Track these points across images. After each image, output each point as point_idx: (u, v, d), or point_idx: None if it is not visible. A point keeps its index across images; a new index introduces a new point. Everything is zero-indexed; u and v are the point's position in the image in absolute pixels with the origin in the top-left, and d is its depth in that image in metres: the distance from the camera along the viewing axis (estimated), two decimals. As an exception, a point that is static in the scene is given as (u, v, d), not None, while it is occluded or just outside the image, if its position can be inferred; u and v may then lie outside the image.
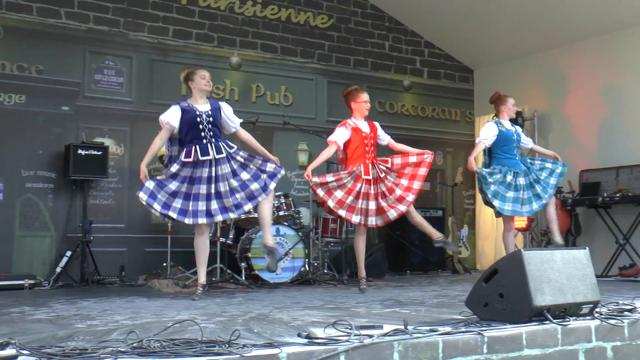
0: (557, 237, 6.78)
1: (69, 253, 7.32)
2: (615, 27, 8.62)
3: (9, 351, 2.56)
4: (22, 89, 7.64)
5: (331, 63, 9.64)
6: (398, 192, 6.14)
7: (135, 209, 8.13)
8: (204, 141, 5.65)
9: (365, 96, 6.36)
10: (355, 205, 6.05)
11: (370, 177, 6.09)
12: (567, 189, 8.73)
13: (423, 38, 10.45)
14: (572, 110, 9.25)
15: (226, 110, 5.91)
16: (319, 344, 2.93)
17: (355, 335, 3.05)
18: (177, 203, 5.55)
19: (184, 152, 5.63)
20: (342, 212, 6.04)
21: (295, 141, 9.23)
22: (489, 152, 6.85)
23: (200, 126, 5.67)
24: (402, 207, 6.12)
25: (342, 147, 6.23)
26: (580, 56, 9.19)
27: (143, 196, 5.47)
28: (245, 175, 5.71)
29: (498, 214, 6.84)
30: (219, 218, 5.64)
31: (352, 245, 6.64)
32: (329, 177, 6.02)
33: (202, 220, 5.56)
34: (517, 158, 6.74)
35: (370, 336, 3.06)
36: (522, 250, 3.72)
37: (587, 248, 4.11)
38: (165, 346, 2.77)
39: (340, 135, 6.20)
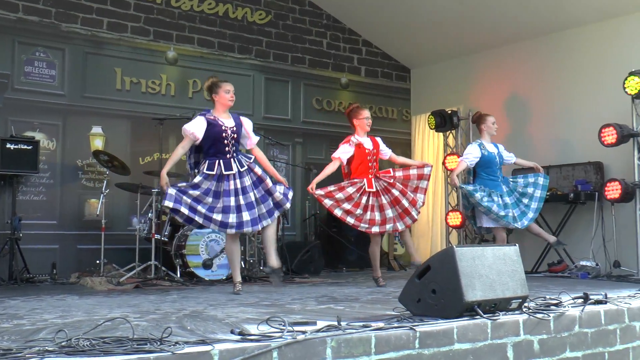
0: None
1: (-4, 251, 7.12)
2: (549, 29, 8.84)
3: None
4: (-54, 80, 7.40)
5: (269, 59, 9.62)
6: (405, 202, 6.45)
7: (68, 205, 7.98)
8: (227, 156, 5.70)
9: (365, 112, 6.61)
10: (363, 217, 6.33)
11: (374, 190, 6.39)
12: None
13: (361, 36, 10.52)
14: (504, 110, 9.44)
15: (247, 126, 5.92)
16: (251, 340, 2.93)
17: (288, 332, 3.06)
18: (202, 209, 5.55)
19: (206, 164, 5.66)
20: (350, 220, 6.33)
21: (232, 137, 9.15)
22: (473, 171, 7.26)
23: (225, 141, 5.70)
24: (409, 221, 6.50)
25: (345, 163, 6.51)
26: (514, 58, 9.39)
27: (169, 203, 5.43)
28: (259, 192, 5.78)
29: (482, 229, 7.31)
30: (249, 230, 5.71)
31: (290, 242, 6.75)
32: (331, 187, 6.29)
33: (230, 231, 5.64)
34: (499, 180, 7.16)
35: (304, 332, 3.07)
36: (454, 246, 3.79)
37: (517, 245, 4.22)
38: (94, 344, 2.72)
39: (343, 152, 6.47)
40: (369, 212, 6.35)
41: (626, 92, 7.31)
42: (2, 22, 7.73)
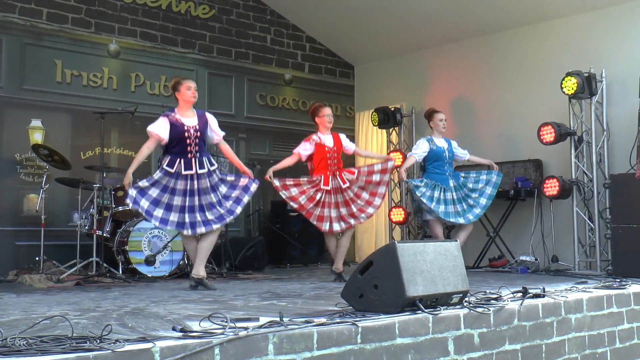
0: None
1: None
2: (487, 30, 9.00)
3: None
4: None
5: (212, 54, 9.54)
6: (363, 198, 6.75)
7: (5, 200, 7.78)
8: (189, 156, 5.76)
9: (326, 110, 6.86)
10: (313, 212, 6.59)
11: (329, 188, 6.61)
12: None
13: (305, 33, 10.52)
14: (448, 108, 9.56)
15: (212, 122, 6.02)
16: (193, 337, 2.92)
17: (230, 328, 3.06)
18: (158, 212, 5.67)
19: (167, 160, 5.76)
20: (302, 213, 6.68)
21: (175, 132, 9.06)
22: (422, 166, 7.54)
23: (188, 140, 5.76)
24: (371, 210, 6.77)
25: (304, 159, 6.77)
26: (454, 57, 9.53)
27: (129, 203, 5.68)
28: (219, 195, 5.87)
29: (425, 222, 7.61)
30: (202, 230, 5.75)
31: (233, 238, 6.82)
32: (289, 181, 6.58)
33: (186, 232, 5.75)
34: (447, 174, 7.40)
35: (246, 329, 3.07)
36: (395, 242, 3.83)
37: (457, 240, 4.30)
38: (31, 344, 2.66)
39: (303, 149, 6.73)
40: (318, 208, 6.57)
41: (563, 92, 7.51)
42: None
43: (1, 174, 7.77)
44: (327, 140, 6.79)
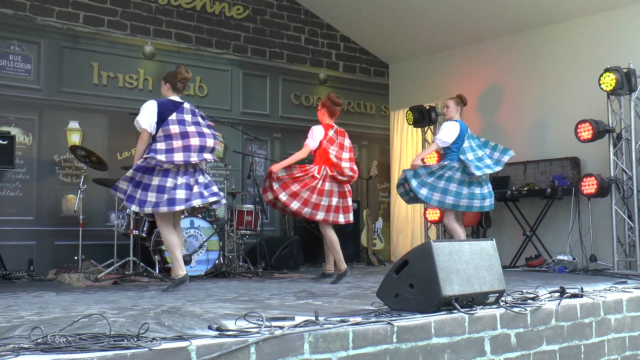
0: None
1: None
2: (524, 26, 8.91)
3: None
4: None
5: (247, 54, 9.58)
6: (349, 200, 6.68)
7: (45, 201, 7.91)
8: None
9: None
10: (310, 200, 6.41)
11: (322, 174, 6.51)
12: (478, 183, 8.97)
13: (339, 32, 10.51)
14: (482, 106, 9.50)
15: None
16: (229, 336, 2.93)
17: (266, 327, 3.06)
18: (152, 197, 5.56)
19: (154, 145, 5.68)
20: (294, 206, 6.45)
21: (210, 132, 9.11)
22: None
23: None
24: (347, 217, 6.65)
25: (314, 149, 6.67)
26: (491, 54, 9.45)
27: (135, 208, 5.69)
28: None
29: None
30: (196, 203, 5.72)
31: (268, 238, 6.77)
32: (294, 186, 6.47)
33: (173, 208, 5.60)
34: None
35: (281, 327, 3.08)
36: (431, 241, 3.81)
37: (493, 239, 4.25)
38: (71, 341, 2.70)
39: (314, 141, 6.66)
40: (315, 195, 6.43)
41: (602, 88, 7.38)
42: (-24, 15, 7.64)
43: (40, 175, 7.90)
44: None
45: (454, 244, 3.95)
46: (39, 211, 7.86)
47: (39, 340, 2.70)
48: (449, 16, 9.17)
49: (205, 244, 7.19)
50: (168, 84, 6.07)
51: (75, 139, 8.13)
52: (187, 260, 7.03)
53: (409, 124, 9.80)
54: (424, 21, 9.47)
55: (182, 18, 9.05)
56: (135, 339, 2.76)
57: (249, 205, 8.06)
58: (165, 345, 2.71)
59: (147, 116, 5.80)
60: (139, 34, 8.70)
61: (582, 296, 4.49)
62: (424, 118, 9.56)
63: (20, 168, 7.72)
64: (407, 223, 10.31)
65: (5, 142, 7.26)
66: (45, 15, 8.05)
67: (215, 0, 9.33)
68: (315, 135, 6.67)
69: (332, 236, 6.55)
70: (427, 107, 9.62)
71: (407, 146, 10.46)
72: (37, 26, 8.00)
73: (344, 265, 6.51)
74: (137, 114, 7.38)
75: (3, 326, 3.49)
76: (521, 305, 4.05)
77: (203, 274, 7.12)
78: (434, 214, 9.18)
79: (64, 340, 2.71)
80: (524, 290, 4.61)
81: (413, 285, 3.79)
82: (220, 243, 7.40)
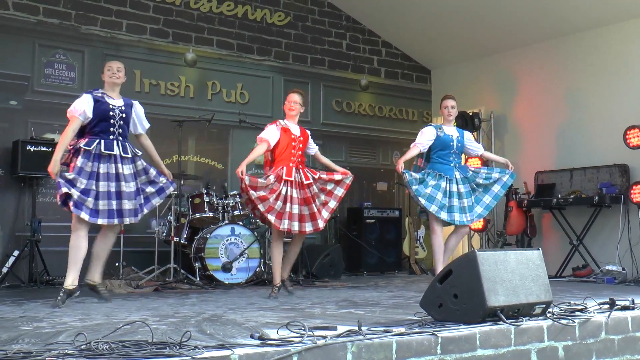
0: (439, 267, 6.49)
1: (16, 253, 7.11)
2: (569, 31, 8.75)
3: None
4: (-32, 82, 7.44)
5: (288, 61, 9.58)
6: (317, 204, 5.96)
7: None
8: (111, 137, 5.29)
9: (291, 97, 6.18)
10: (282, 211, 5.78)
11: (292, 179, 5.86)
12: (523, 190, 8.83)
13: (380, 38, 10.46)
14: (527, 112, 9.35)
15: (138, 110, 5.63)
16: (271, 345, 2.90)
17: (308, 337, 3.02)
18: (89, 203, 5.12)
19: (85, 141, 5.22)
20: (271, 218, 5.73)
21: (251, 139, 9.03)
22: (427, 155, 6.62)
23: (112, 120, 5.32)
24: (320, 223, 5.95)
25: (271, 147, 5.96)
26: (537, 58, 9.30)
27: (62, 190, 5.05)
28: (137, 184, 5.39)
29: (423, 213, 6.66)
30: (132, 220, 5.33)
31: (310, 245, 6.55)
32: (260, 182, 5.74)
33: (111, 221, 5.25)
34: (452, 164, 6.48)
35: (324, 337, 3.03)
36: (476, 251, 3.73)
37: (540, 249, 4.14)
38: (114, 348, 2.70)
39: (270, 133, 5.95)
40: (279, 202, 5.77)
41: (651, 93, 7.20)
42: (22, 24, 7.76)
43: (84, 182, 7.98)
44: (294, 128, 6.09)
45: (499, 253, 3.86)
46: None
47: (82, 347, 2.71)
48: (493, 21, 9.05)
49: (246, 251, 7.17)
50: None
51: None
52: (227, 268, 7.04)
53: (452, 131, 9.68)
54: (467, 26, 9.36)
55: (224, 25, 9.10)
56: (178, 347, 2.74)
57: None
58: (208, 354, 2.69)
59: None
60: (180, 41, 8.76)
61: (633, 308, 4.35)
62: (467, 124, 9.44)
63: (64, 174, 7.80)
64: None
65: (49, 149, 7.35)
66: (89, 24, 8.16)
67: (257, 7, 9.35)
68: None
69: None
70: (470, 113, 9.52)
71: (449, 153, 10.34)
72: (81, 35, 8.11)
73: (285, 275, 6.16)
74: (179, 122, 7.48)
75: (47, 332, 3.52)
76: (569, 317, 3.93)
77: (244, 281, 7.11)
78: (477, 223, 9.04)
79: (107, 347, 2.71)
80: (572, 302, 4.48)
81: (457, 295, 3.72)
82: (261, 251, 7.38)
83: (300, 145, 6.09)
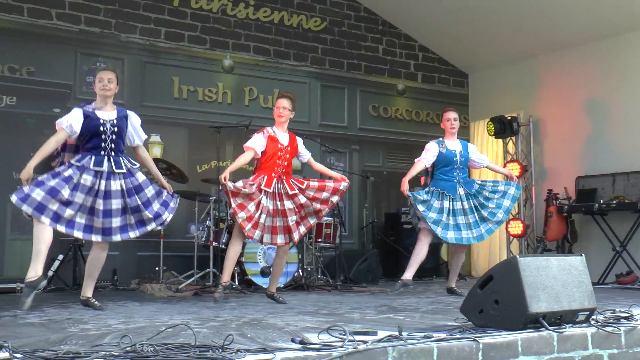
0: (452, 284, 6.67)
1: (60, 257, 7.23)
2: (611, 32, 8.63)
3: (2, 354, 2.54)
4: (13, 90, 7.59)
5: (324, 66, 9.61)
6: (297, 217, 5.78)
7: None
8: (102, 153, 5.06)
9: (279, 102, 5.89)
10: (259, 220, 5.62)
11: (270, 190, 5.65)
12: (564, 196, 8.73)
13: (417, 42, 10.44)
14: (568, 116, 9.23)
15: (134, 121, 5.32)
16: (313, 349, 2.90)
17: (349, 341, 3.02)
18: (53, 206, 4.80)
19: (77, 156, 5.06)
20: (247, 227, 5.56)
21: (288, 145, 9.17)
22: (430, 172, 6.57)
23: (103, 136, 5.07)
24: (295, 237, 5.76)
25: (259, 155, 5.76)
26: (577, 62, 9.18)
27: (21, 205, 4.73)
28: (134, 202, 5.11)
29: (418, 228, 6.49)
30: (79, 235, 4.98)
31: (347, 250, 6.46)
32: (243, 189, 5.57)
33: (96, 238, 5.01)
34: (455, 181, 6.41)
35: (365, 342, 3.03)
36: (517, 256, 3.69)
37: (583, 255, 4.08)
38: (158, 350, 2.74)
39: (256, 142, 5.73)
40: (258, 212, 5.59)
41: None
42: (65, 33, 7.91)
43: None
44: (282, 137, 5.85)
45: (541, 259, 3.82)
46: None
47: (128, 349, 2.75)
48: (532, 23, 8.97)
49: (284, 256, 7.19)
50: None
51: (156, 152, 8.30)
52: (266, 273, 7.07)
53: (490, 135, 9.63)
54: (506, 29, 9.29)
55: (261, 31, 9.16)
56: (220, 350, 2.77)
57: (328, 218, 8.02)
58: (250, 357, 2.71)
59: None
60: (218, 48, 8.85)
61: (680, 316, 4.26)
62: (506, 129, 9.38)
63: (105, 180, 7.92)
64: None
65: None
66: (128, 32, 8.29)
67: (293, 13, 9.41)
68: None
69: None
70: (509, 118, 9.45)
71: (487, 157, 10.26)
72: (121, 43, 8.24)
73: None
74: (217, 128, 7.54)
75: (93, 333, 3.58)
76: (614, 325, 3.86)
77: (282, 286, 7.14)
78: (516, 228, 8.97)
79: (152, 349, 2.75)
80: (617, 309, 4.41)
81: (498, 301, 3.68)
82: (299, 256, 7.40)
83: (287, 156, 5.83)
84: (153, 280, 7.41)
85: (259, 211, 5.61)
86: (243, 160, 5.76)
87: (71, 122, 5.03)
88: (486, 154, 10.26)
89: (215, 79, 8.81)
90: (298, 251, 7.39)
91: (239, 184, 5.59)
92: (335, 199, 5.91)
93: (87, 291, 5.18)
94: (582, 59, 9.11)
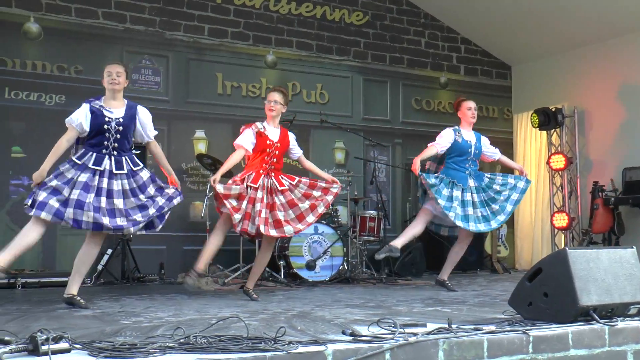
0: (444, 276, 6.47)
1: (109, 251, 7.38)
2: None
3: (63, 345, 2.61)
4: (62, 89, 7.75)
5: (367, 60, 9.61)
6: (301, 208, 5.58)
7: (173, 208, 8.18)
8: (104, 151, 4.90)
9: (271, 95, 5.72)
10: (253, 215, 5.41)
11: (257, 185, 5.44)
12: (610, 188, 8.60)
13: (459, 34, 10.37)
14: (613, 106, 9.08)
15: (143, 117, 5.11)
16: (364, 341, 2.93)
17: (399, 334, 3.04)
18: (54, 203, 4.68)
19: (79, 152, 4.94)
20: (237, 218, 5.38)
21: (331, 139, 9.22)
22: (441, 159, 6.41)
23: (107, 134, 4.91)
24: (300, 226, 5.56)
25: (250, 152, 5.63)
26: (623, 51, 9.02)
27: (28, 207, 4.69)
28: (130, 204, 4.91)
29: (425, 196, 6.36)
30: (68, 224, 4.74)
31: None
32: (234, 189, 5.42)
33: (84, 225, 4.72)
34: (467, 172, 6.25)
35: (415, 334, 3.04)
36: (567, 248, 3.66)
37: (634, 247, 4.03)
38: (211, 342, 2.79)
39: (246, 139, 5.60)
40: (250, 205, 5.41)
41: None
42: (111, 32, 8.05)
43: (170, 182, 8.21)
44: (272, 132, 5.66)
45: (591, 251, 3.78)
46: (168, 217, 8.13)
47: (181, 340, 2.80)
48: (576, 14, 8.84)
49: (329, 249, 7.24)
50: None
51: (201, 147, 8.41)
52: (311, 266, 7.12)
53: (534, 127, 9.53)
54: (549, 20, 9.16)
55: (303, 26, 9.20)
56: (273, 342, 2.81)
57: (372, 212, 8.06)
58: (302, 349, 2.74)
59: None
60: (261, 43, 8.91)
61: None
62: (550, 120, 9.28)
63: (152, 176, 8.04)
64: (531, 230, 10.00)
65: (138, 152, 7.55)
66: (173, 30, 8.39)
67: (335, 8, 9.42)
68: None
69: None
70: (553, 109, 9.33)
71: (531, 150, 10.17)
72: (165, 40, 8.35)
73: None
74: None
75: (146, 326, 3.66)
76: (667, 318, 3.81)
77: (327, 279, 7.19)
78: (561, 220, 8.87)
79: (205, 341, 2.80)
80: (668, 302, 4.34)
81: (547, 294, 3.65)
82: (344, 249, 7.43)
83: (277, 152, 5.65)
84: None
85: (252, 205, 5.41)
86: (234, 159, 5.61)
87: (80, 120, 4.90)
88: (530, 146, 10.18)
89: (258, 75, 8.87)
90: (343, 244, 7.42)
91: (229, 183, 5.46)
92: (330, 198, 5.72)
93: (73, 288, 4.84)
94: (628, 48, 8.94)
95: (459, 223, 6.00)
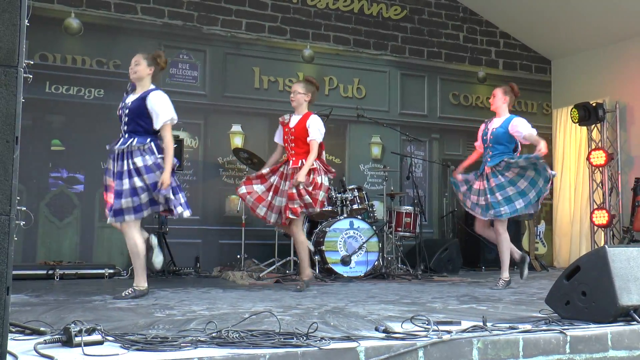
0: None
1: (145, 244, 7.45)
2: None
3: (95, 337, 2.64)
4: (101, 83, 7.83)
5: (404, 55, 9.54)
6: (305, 200, 5.71)
7: (210, 201, 8.27)
8: (120, 135, 5.07)
9: (293, 87, 6.14)
10: (254, 189, 5.84)
11: (281, 170, 5.85)
12: (648, 183, 8.43)
13: (498, 28, 10.23)
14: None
15: (151, 101, 4.99)
16: (397, 338, 2.89)
17: (433, 331, 3.00)
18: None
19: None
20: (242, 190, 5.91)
21: (368, 134, 9.18)
22: None
23: (121, 119, 5.08)
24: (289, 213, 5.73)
25: (281, 143, 6.08)
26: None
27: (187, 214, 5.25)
28: (125, 184, 4.87)
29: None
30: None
31: (427, 240, 6.39)
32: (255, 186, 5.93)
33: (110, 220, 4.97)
34: (487, 158, 6.13)
35: (449, 332, 3.00)
36: (606, 246, 3.58)
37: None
38: (243, 337, 2.78)
39: (278, 134, 6.16)
40: (261, 187, 5.81)
41: None
42: (149, 27, 8.11)
43: (206, 177, 8.27)
44: (293, 120, 5.96)
45: (631, 250, 3.69)
46: (204, 211, 8.22)
47: (213, 334, 2.80)
48: (616, 7, 8.65)
49: (364, 245, 7.21)
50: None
51: (237, 141, 8.44)
52: (346, 261, 7.10)
53: (574, 122, 9.37)
54: (589, 14, 8.99)
55: (340, 21, 9.16)
56: (305, 338, 2.79)
57: (408, 207, 8.01)
58: (334, 345, 2.72)
59: None
60: (298, 38, 8.90)
61: None
62: (590, 115, 9.12)
63: (187, 170, 8.12)
64: (571, 227, 9.84)
65: (174, 146, 7.61)
66: (210, 25, 8.43)
67: (373, 2, 9.37)
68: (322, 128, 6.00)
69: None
70: (594, 104, 9.16)
71: (570, 145, 10.00)
72: (203, 35, 8.39)
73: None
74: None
75: (179, 319, 3.68)
76: None
77: (362, 275, 7.16)
78: (601, 217, 8.71)
79: (237, 335, 2.79)
80: None
81: (586, 292, 3.58)
82: (380, 244, 7.39)
83: (292, 137, 5.88)
84: (235, 268, 7.54)
85: (263, 184, 5.84)
86: (276, 156, 6.09)
87: None
88: (570, 141, 10.01)
89: (295, 69, 8.87)
90: (379, 240, 7.38)
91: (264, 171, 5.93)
92: (321, 195, 5.82)
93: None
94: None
95: (480, 216, 6.09)
